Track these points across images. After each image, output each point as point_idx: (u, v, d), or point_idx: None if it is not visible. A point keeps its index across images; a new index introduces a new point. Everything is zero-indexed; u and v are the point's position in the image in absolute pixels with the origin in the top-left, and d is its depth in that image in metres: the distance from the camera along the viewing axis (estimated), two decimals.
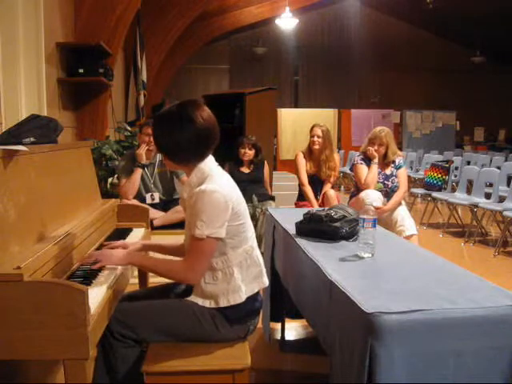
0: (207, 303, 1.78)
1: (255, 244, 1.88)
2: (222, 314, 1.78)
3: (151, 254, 2.18)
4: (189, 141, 1.72)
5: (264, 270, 1.87)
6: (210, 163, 1.79)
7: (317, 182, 4.35)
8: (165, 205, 3.84)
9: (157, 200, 3.84)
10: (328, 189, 4.31)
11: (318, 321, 1.80)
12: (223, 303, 1.76)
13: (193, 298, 1.80)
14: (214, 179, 1.74)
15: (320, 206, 4.14)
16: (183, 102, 1.78)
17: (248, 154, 4.42)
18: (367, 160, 3.85)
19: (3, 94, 3.34)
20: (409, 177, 5.37)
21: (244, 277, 1.79)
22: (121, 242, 2.09)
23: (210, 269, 1.76)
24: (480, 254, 4.91)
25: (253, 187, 4.31)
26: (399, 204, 3.79)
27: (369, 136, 3.89)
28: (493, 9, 10.78)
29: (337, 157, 4.43)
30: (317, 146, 4.30)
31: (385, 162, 3.86)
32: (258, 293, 1.86)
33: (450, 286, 1.55)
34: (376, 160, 3.80)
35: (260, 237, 3.80)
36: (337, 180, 7.55)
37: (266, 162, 4.60)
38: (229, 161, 4.46)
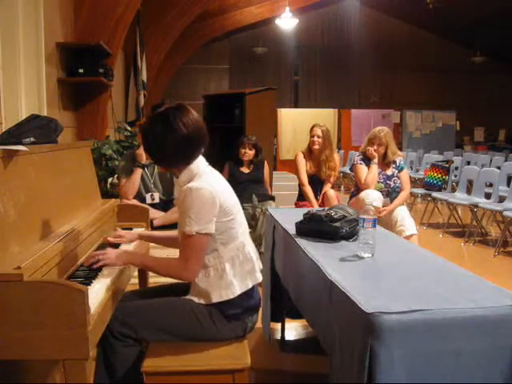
0: (202, 300, 1.80)
1: (247, 240, 1.89)
2: (219, 311, 1.79)
3: (151, 251, 2.20)
4: (173, 147, 1.75)
5: (257, 267, 1.88)
6: (199, 163, 1.81)
7: (317, 182, 4.35)
8: (165, 205, 3.85)
9: (157, 200, 3.84)
10: (328, 189, 4.31)
11: (318, 321, 1.80)
12: (216, 299, 1.78)
13: (189, 297, 1.83)
14: (202, 177, 1.76)
15: (320, 205, 4.13)
16: (167, 109, 1.79)
17: (248, 153, 4.41)
18: (367, 160, 3.85)
19: (3, 94, 3.34)
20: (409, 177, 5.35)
21: (236, 272, 1.80)
22: (118, 232, 2.17)
23: (203, 266, 1.78)
24: (480, 254, 4.91)
25: (253, 187, 4.30)
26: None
27: (368, 136, 3.89)
28: (493, 9, 10.77)
29: (337, 157, 4.43)
30: (317, 146, 4.29)
31: (385, 162, 3.86)
32: (253, 289, 1.87)
33: (450, 286, 1.55)
34: (376, 160, 3.80)
35: (260, 237, 3.80)
36: (337, 180, 7.56)
37: (266, 162, 4.60)
38: (229, 161, 4.46)
